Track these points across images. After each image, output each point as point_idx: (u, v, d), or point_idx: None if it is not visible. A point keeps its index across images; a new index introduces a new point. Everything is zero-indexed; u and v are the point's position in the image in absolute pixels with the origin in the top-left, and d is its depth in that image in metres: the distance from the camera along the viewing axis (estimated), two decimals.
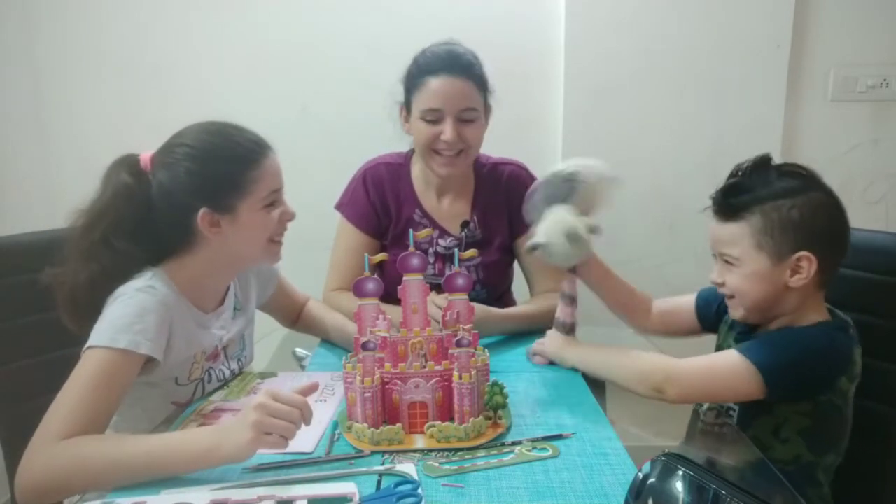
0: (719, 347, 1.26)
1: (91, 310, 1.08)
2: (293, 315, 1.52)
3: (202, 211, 1.11)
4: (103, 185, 1.14)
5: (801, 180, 1.07)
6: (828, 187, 1.08)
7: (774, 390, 1.03)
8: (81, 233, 1.11)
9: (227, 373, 1.27)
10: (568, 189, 1.22)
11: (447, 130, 1.44)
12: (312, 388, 0.95)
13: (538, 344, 1.31)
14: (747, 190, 1.08)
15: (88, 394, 0.96)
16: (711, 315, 1.29)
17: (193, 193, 1.11)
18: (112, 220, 1.11)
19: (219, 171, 1.11)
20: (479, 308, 1.38)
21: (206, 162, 1.11)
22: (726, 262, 1.11)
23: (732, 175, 1.12)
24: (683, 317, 1.34)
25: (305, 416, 0.90)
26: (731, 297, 1.13)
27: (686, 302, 1.34)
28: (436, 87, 1.44)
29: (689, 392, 1.07)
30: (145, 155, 1.15)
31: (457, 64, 1.45)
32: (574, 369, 1.24)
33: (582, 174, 1.21)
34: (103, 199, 1.12)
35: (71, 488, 0.92)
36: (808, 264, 1.04)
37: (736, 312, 1.15)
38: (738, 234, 1.08)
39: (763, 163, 1.09)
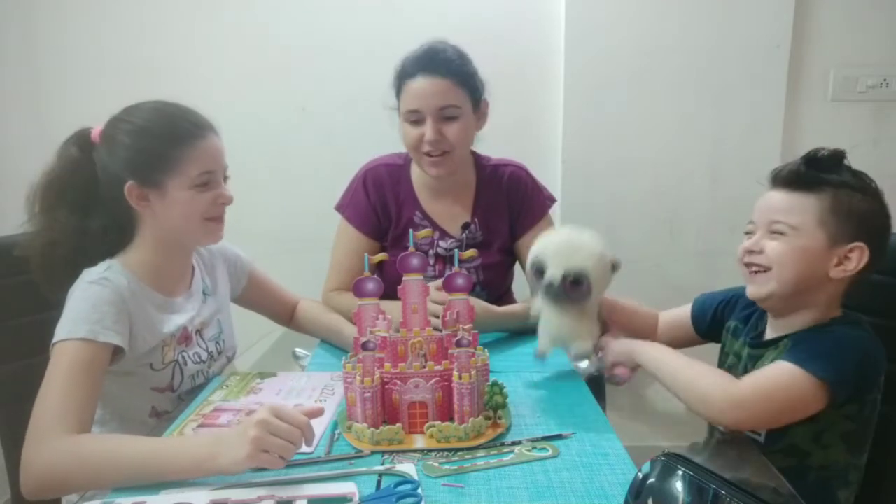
0: (725, 355, 1.23)
1: (56, 277, 1.14)
2: (283, 314, 1.52)
3: (129, 184, 1.13)
4: (55, 157, 1.18)
5: (868, 182, 1.08)
6: (885, 201, 1.09)
7: (838, 394, 0.99)
8: (31, 204, 1.17)
9: (205, 354, 1.28)
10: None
11: (427, 131, 1.44)
12: (317, 413, 0.95)
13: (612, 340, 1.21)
14: (825, 168, 1.07)
15: (67, 385, 0.99)
16: (706, 322, 1.28)
17: (124, 167, 1.14)
18: (56, 192, 1.16)
19: (149, 147, 1.14)
20: (478, 304, 1.38)
21: (140, 137, 1.14)
22: (775, 231, 1.07)
23: (810, 156, 1.09)
24: (681, 327, 1.32)
25: (307, 437, 0.90)
26: (766, 269, 1.08)
27: (683, 312, 1.33)
28: (413, 88, 1.45)
29: (753, 420, 1.01)
30: (97, 129, 1.18)
31: (432, 63, 1.45)
32: (591, 371, 1.22)
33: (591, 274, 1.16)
34: (52, 171, 1.17)
35: (72, 485, 0.95)
36: (858, 256, 1.03)
37: (762, 288, 1.08)
38: (806, 205, 1.05)
39: (839, 156, 1.09)
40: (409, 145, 1.50)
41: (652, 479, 0.71)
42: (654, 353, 1.13)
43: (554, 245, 1.17)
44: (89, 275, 1.12)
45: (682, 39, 2.03)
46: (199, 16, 2.06)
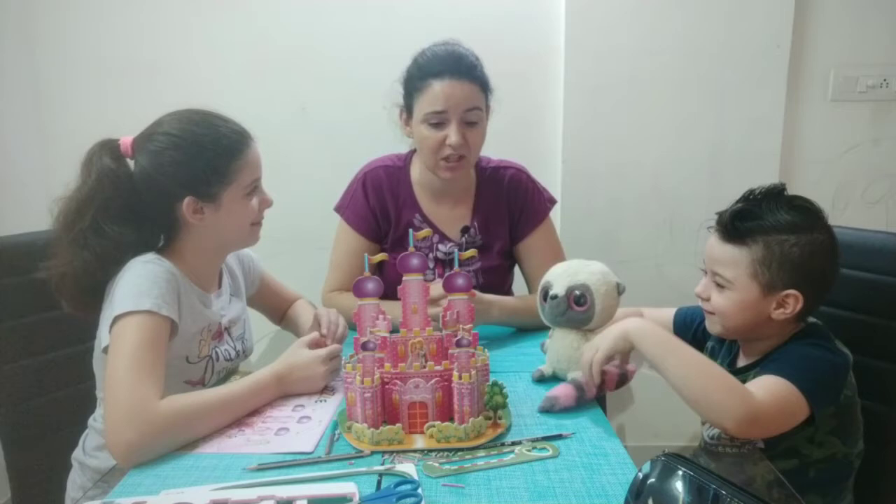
0: None
1: (93, 295, 1.13)
2: (280, 313, 1.55)
3: (187, 199, 1.14)
4: (84, 170, 1.16)
5: (808, 217, 1.08)
6: (830, 227, 1.09)
7: (816, 407, 1.01)
8: (70, 221, 1.14)
9: (233, 353, 1.31)
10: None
11: (452, 134, 1.41)
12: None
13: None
14: (756, 217, 1.08)
15: (144, 355, 1.02)
16: (689, 338, 1.30)
17: (179, 183, 1.14)
18: (100, 206, 1.14)
19: (205, 162, 1.14)
20: (485, 298, 1.39)
21: (191, 152, 1.14)
22: (716, 281, 1.12)
23: (744, 198, 1.12)
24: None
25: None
26: (712, 313, 1.14)
27: (667, 317, 1.36)
28: (439, 89, 1.40)
29: (764, 433, 1.01)
30: (125, 139, 1.17)
31: (461, 65, 1.42)
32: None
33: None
34: (88, 184, 1.15)
35: (173, 443, 0.98)
36: (794, 302, 1.07)
37: (714, 327, 1.17)
38: (737, 259, 1.08)
39: (776, 192, 1.10)
40: (428, 148, 1.45)
41: (652, 479, 0.71)
42: (658, 339, 1.03)
43: (560, 268, 1.23)
44: (141, 257, 1.14)
45: (683, 39, 2.03)
46: (199, 16, 2.06)
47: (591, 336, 1.15)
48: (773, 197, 1.09)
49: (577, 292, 1.16)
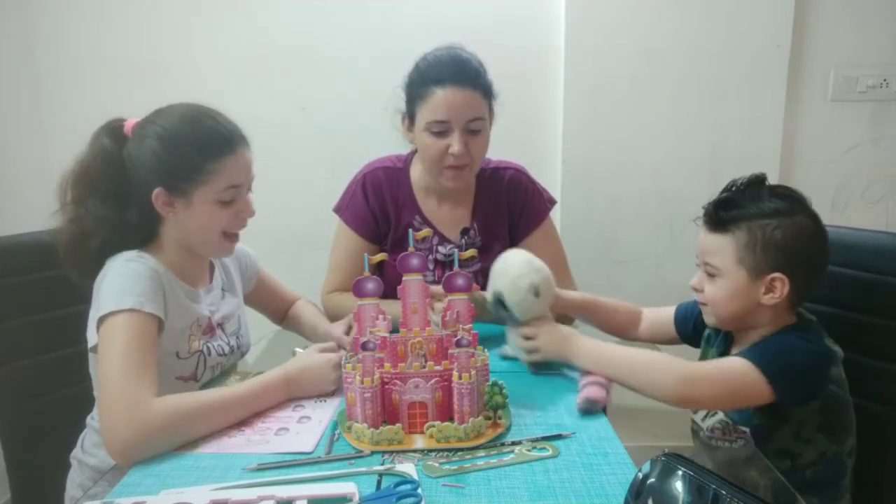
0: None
1: (86, 265, 1.15)
2: (280, 313, 1.55)
3: (157, 190, 1.14)
4: (88, 146, 1.19)
5: (791, 203, 1.10)
6: (814, 213, 1.11)
7: (782, 393, 1.03)
8: (62, 192, 1.17)
9: (227, 348, 1.30)
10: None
11: (455, 144, 1.40)
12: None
13: (526, 343, 1.23)
14: (738, 205, 1.11)
15: (132, 354, 1.02)
16: (689, 330, 1.33)
17: (153, 172, 1.15)
18: (88, 182, 1.17)
19: (179, 156, 1.14)
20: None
21: (170, 145, 1.14)
22: (707, 272, 1.15)
23: (727, 189, 1.15)
24: (665, 328, 1.38)
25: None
26: (705, 304, 1.17)
27: (667, 314, 1.38)
28: (442, 98, 1.39)
29: (706, 399, 1.08)
30: (130, 122, 1.19)
31: (463, 73, 1.41)
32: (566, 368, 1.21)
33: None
34: (85, 161, 1.18)
35: (171, 442, 0.97)
36: (780, 285, 1.08)
37: (709, 318, 1.19)
38: (723, 246, 1.11)
39: (757, 181, 1.13)
40: (432, 157, 1.44)
41: (652, 479, 0.71)
42: (594, 350, 1.15)
43: (493, 269, 1.25)
44: (124, 255, 1.14)
45: (683, 39, 2.03)
46: (199, 16, 2.07)
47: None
48: (755, 186, 1.12)
49: (499, 298, 1.21)
